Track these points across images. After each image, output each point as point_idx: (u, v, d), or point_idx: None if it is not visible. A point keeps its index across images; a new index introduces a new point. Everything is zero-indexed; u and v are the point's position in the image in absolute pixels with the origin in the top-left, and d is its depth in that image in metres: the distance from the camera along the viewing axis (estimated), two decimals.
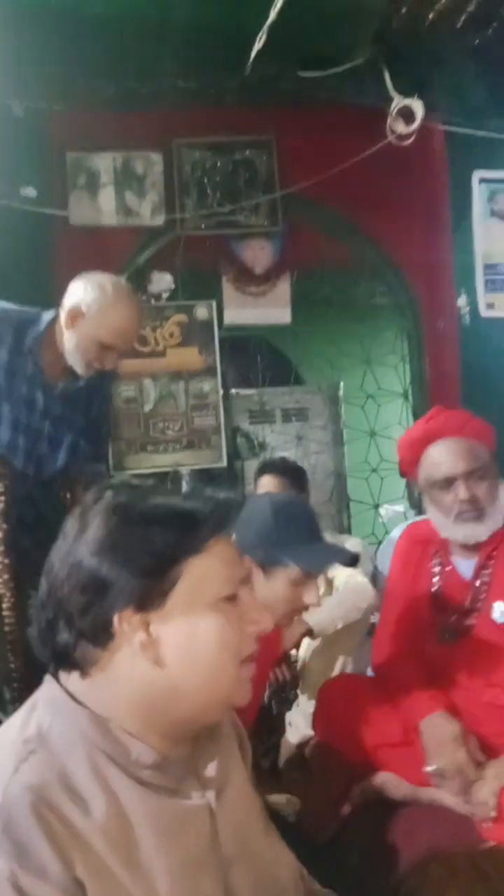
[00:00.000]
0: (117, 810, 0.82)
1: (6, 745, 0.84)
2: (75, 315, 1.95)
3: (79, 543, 0.85)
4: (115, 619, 0.83)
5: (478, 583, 1.77)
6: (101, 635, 0.84)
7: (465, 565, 1.81)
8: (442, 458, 1.74)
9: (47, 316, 2.02)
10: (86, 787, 0.81)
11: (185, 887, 0.84)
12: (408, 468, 1.83)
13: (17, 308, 2.08)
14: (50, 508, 1.98)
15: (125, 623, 0.83)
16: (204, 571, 0.85)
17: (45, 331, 2.00)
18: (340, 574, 2.36)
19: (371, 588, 2.26)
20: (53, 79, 3.44)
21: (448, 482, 1.73)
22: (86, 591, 0.84)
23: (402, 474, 1.92)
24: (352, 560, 1.53)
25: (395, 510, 4.14)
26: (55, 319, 2.00)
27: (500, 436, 3.52)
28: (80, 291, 1.96)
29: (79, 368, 1.99)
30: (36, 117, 3.58)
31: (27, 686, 1.68)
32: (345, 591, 2.26)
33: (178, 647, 0.84)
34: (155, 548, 0.84)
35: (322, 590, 2.39)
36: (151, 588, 0.83)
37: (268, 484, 2.61)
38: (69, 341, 1.96)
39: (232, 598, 0.87)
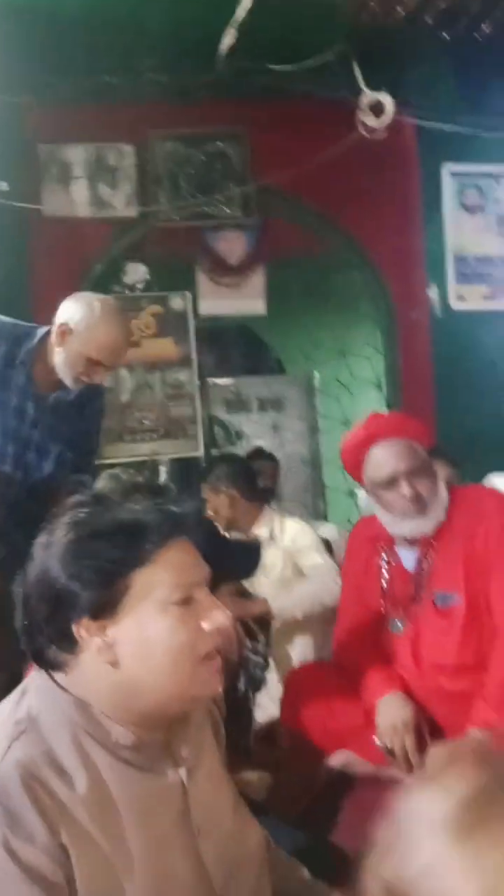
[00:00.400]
0: (99, 785, 0.90)
1: None
2: (64, 332, 2.03)
3: (45, 556, 0.94)
4: (75, 627, 0.91)
5: (420, 572, 1.87)
6: (66, 641, 0.92)
7: (408, 557, 1.90)
8: (384, 458, 1.82)
9: (41, 331, 2.10)
10: (70, 764, 0.89)
11: (159, 855, 0.93)
12: (352, 470, 1.92)
13: (12, 321, 2.16)
14: (37, 511, 2.03)
15: (83, 630, 0.91)
16: (152, 580, 0.92)
17: (37, 345, 2.08)
18: (308, 559, 2.43)
19: (338, 583, 2.32)
20: (26, 72, 3.44)
21: (391, 481, 1.81)
22: (48, 602, 0.92)
23: (352, 477, 1.98)
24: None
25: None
26: (48, 334, 2.07)
27: (469, 423, 3.62)
28: (70, 309, 2.05)
29: (68, 382, 2.07)
30: (8, 110, 3.58)
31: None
32: (313, 583, 2.33)
33: (133, 650, 0.92)
34: (102, 562, 0.91)
35: (279, 567, 2.48)
36: (103, 598, 0.91)
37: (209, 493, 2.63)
38: (59, 356, 2.05)
39: (186, 601, 0.93)
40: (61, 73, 3.53)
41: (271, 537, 2.58)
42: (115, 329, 2.05)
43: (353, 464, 1.89)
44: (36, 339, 2.08)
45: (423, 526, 1.83)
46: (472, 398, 3.77)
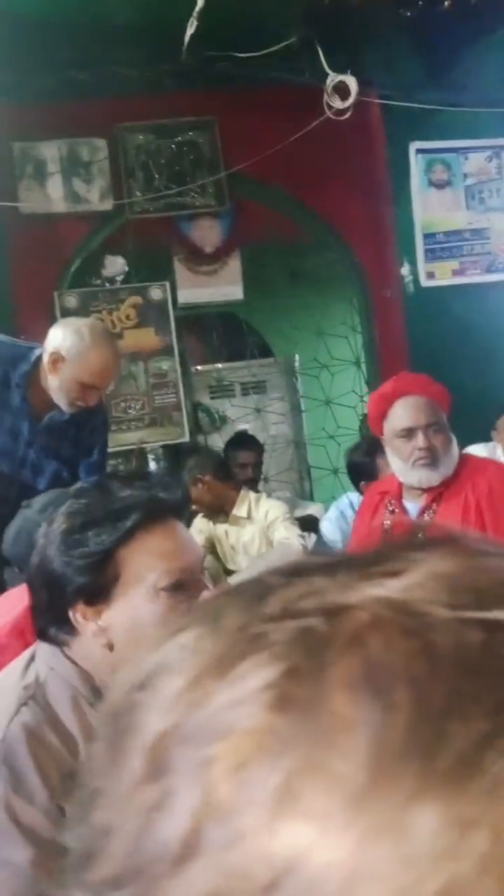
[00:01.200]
0: None
1: (9, 689, 0.99)
2: (56, 360, 2.09)
3: (44, 544, 1.00)
4: (71, 611, 0.98)
5: (420, 522, 1.99)
6: (64, 624, 0.98)
7: (412, 508, 2.05)
8: (406, 411, 1.99)
9: (35, 352, 2.17)
10: (73, 730, 0.96)
11: None
12: (375, 421, 2.09)
13: (8, 342, 2.24)
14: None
15: (79, 615, 0.97)
16: (139, 565, 0.97)
17: (32, 367, 2.15)
18: (277, 532, 2.55)
19: (301, 552, 2.43)
20: None
21: (409, 432, 1.97)
22: (47, 588, 0.99)
23: (371, 428, 2.18)
24: None
25: None
26: (42, 356, 2.14)
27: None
28: (59, 337, 2.11)
29: (64, 407, 2.14)
30: None
31: None
32: (275, 553, 2.44)
33: (126, 634, 0.97)
34: (89, 548, 0.96)
35: (256, 544, 2.59)
36: (96, 584, 0.96)
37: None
38: (52, 383, 2.11)
39: (177, 587, 0.97)
40: (28, 71, 3.57)
41: (249, 516, 2.69)
42: (106, 353, 2.12)
43: (378, 414, 2.07)
44: (31, 361, 2.16)
45: (431, 477, 1.98)
46: (448, 372, 3.80)
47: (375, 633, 0.22)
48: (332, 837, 0.20)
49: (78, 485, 1.05)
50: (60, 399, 2.11)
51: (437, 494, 2.01)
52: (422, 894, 0.19)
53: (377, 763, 0.20)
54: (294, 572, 0.26)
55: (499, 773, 0.20)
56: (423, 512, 2.01)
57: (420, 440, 1.95)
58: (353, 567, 0.26)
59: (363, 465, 2.78)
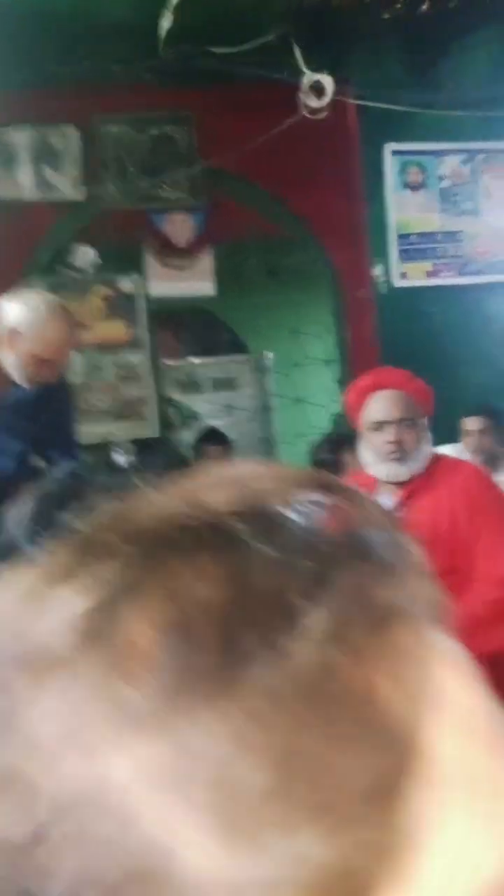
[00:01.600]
0: None
1: None
2: (11, 335, 2.07)
3: (12, 527, 0.97)
4: None
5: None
6: None
7: (386, 503, 2.02)
8: (380, 404, 2.02)
9: None
10: None
11: None
12: (352, 413, 2.10)
13: None
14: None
15: None
16: None
17: None
18: None
19: None
20: None
21: (381, 426, 1.99)
22: None
23: (349, 420, 2.19)
24: None
25: None
26: None
27: None
28: (14, 312, 2.08)
29: (22, 383, 2.12)
30: None
31: None
32: None
33: None
34: (61, 530, 0.95)
35: None
36: None
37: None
38: (8, 359, 2.09)
39: None
40: (3, 62, 3.50)
41: None
42: (61, 326, 2.11)
43: (355, 406, 2.08)
44: None
45: (398, 472, 2.01)
46: (419, 373, 3.82)
47: (183, 561, 0.23)
48: (116, 763, 0.20)
49: (53, 472, 1.01)
50: (18, 375, 2.10)
51: (411, 491, 2.02)
52: (194, 790, 0.20)
53: (164, 690, 0.21)
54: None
55: (260, 682, 0.21)
56: (395, 508, 2.00)
57: (390, 434, 1.96)
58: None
59: (328, 463, 2.78)
